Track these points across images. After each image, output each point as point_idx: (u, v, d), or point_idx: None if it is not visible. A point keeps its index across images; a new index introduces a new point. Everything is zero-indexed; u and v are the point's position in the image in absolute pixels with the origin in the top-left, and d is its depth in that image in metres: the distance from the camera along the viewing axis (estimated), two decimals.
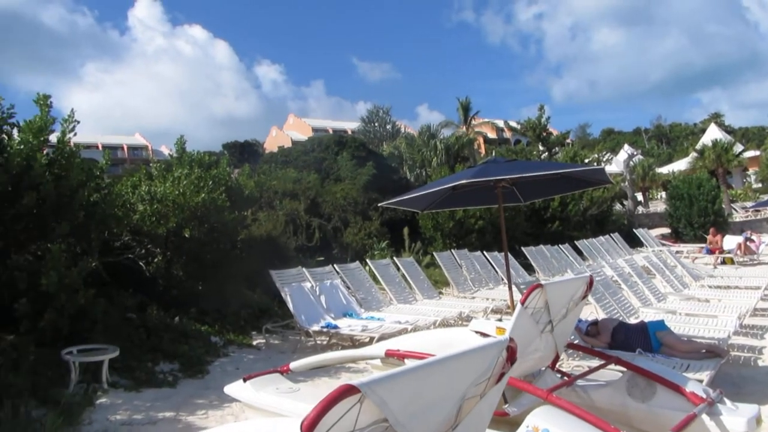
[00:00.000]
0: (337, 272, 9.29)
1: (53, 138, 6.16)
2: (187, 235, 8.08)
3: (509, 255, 12.20)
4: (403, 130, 52.87)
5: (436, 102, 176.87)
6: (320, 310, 8.31)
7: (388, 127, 52.60)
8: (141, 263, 7.91)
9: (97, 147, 57.65)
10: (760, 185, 40.22)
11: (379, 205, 7.23)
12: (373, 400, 1.51)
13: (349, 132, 51.14)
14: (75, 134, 6.34)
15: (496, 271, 12.29)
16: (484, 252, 12.73)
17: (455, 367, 1.82)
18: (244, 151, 58.96)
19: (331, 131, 61.43)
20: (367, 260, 10.60)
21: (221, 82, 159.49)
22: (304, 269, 8.88)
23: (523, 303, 3.60)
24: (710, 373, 4.77)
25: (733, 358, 6.48)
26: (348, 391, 1.46)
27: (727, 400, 3.72)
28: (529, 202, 7.82)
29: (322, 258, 12.89)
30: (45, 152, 6.00)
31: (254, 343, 8.34)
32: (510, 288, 6.95)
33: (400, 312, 8.84)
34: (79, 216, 6.19)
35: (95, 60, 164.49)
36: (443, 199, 7.21)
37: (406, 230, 15.48)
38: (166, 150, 48.17)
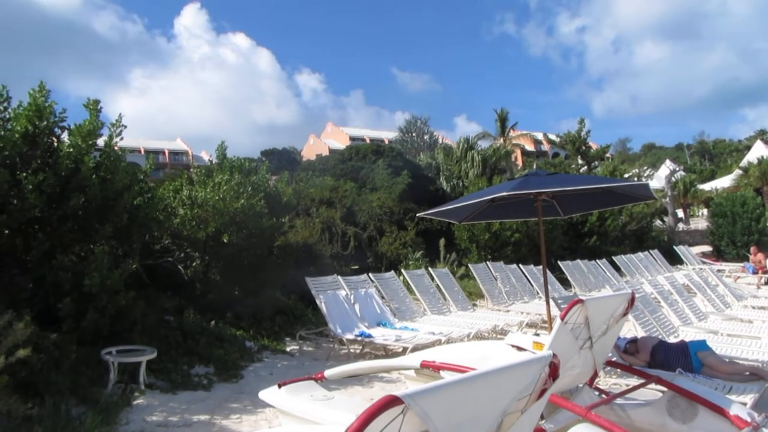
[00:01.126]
0: (371, 281, 9.31)
1: (100, 142, 6.31)
2: (225, 240, 8.19)
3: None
4: (440, 140, 52.83)
5: (474, 113, 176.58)
6: (354, 319, 8.33)
7: (426, 137, 52.64)
8: (180, 267, 8.04)
9: (140, 151, 59.12)
10: None
11: (418, 215, 7.23)
12: (416, 412, 1.50)
13: (387, 141, 51.32)
14: (122, 138, 6.48)
15: (532, 285, 12.16)
16: (520, 265, 12.61)
17: (498, 381, 1.80)
18: (282, 159, 59.56)
19: (368, 140, 61.74)
20: (402, 270, 10.60)
21: (263, 90, 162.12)
22: (339, 277, 8.92)
23: (563, 318, 3.55)
24: (755, 396, 4.63)
25: None
26: (392, 402, 1.46)
27: None
28: (568, 216, 7.71)
29: (356, 266, 12.93)
30: (92, 155, 6.15)
31: (288, 349, 8.39)
32: (547, 302, 6.86)
33: (434, 323, 8.80)
34: (122, 218, 6.32)
35: (142, 66, 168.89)
36: (481, 211, 7.17)
37: (441, 241, 15.43)
38: (206, 155, 49.05)
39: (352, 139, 68.01)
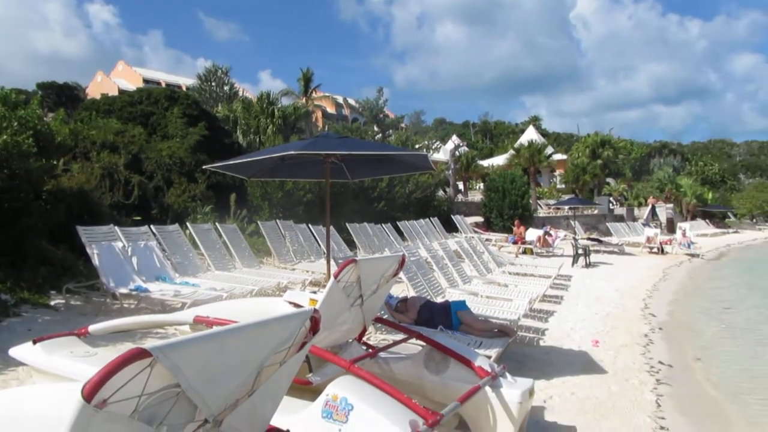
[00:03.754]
0: (153, 234, 8.86)
1: None
2: None
3: (334, 230, 12.47)
4: (241, 93, 51.20)
5: (279, 70, 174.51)
6: (130, 272, 7.89)
7: (226, 88, 50.65)
8: None
9: None
10: (563, 186, 44.60)
11: (204, 167, 6.99)
12: (166, 365, 1.48)
13: (184, 88, 48.49)
14: None
15: (319, 245, 12.46)
16: (310, 225, 12.84)
17: (255, 335, 1.84)
18: (63, 94, 53.46)
19: (164, 84, 57.82)
20: (188, 224, 10.23)
21: (46, 14, 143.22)
22: (116, 227, 8.35)
23: (336, 277, 3.71)
24: (498, 350, 5.26)
25: (520, 337, 7.22)
26: (138, 354, 1.43)
27: (508, 375, 4.14)
28: (356, 180, 8.00)
29: (139, 218, 12.21)
30: None
31: (52, 303, 7.71)
32: (328, 261, 7.10)
33: (218, 279, 8.66)
34: None
35: None
36: (272, 168, 7.14)
37: (233, 197, 15.11)
38: None
39: (146, 81, 63.22)
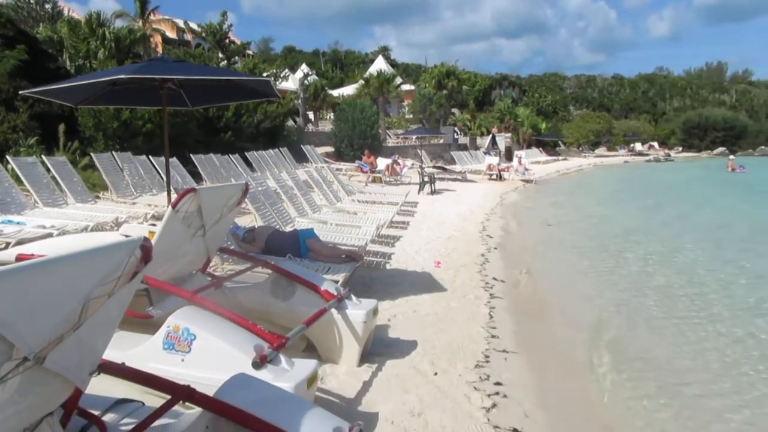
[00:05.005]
0: None
1: None
2: None
3: (177, 162, 11.92)
4: (66, 13, 46.18)
5: None
6: None
7: (48, 6, 45.43)
8: None
9: None
10: (411, 116, 45.64)
11: (22, 93, 6.23)
12: None
13: None
14: None
15: (162, 178, 11.84)
16: (150, 157, 12.13)
17: (75, 266, 1.73)
18: None
19: None
20: (9, 157, 9.26)
21: None
22: None
23: (174, 207, 3.57)
24: (346, 275, 5.40)
25: (368, 262, 7.45)
26: None
27: (354, 297, 4.28)
28: (197, 107, 7.63)
29: None
30: None
31: None
32: (169, 193, 6.80)
33: (47, 216, 7.98)
34: None
35: None
36: (102, 94, 6.57)
37: (62, 127, 13.84)
38: None
39: None
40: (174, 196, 6.88)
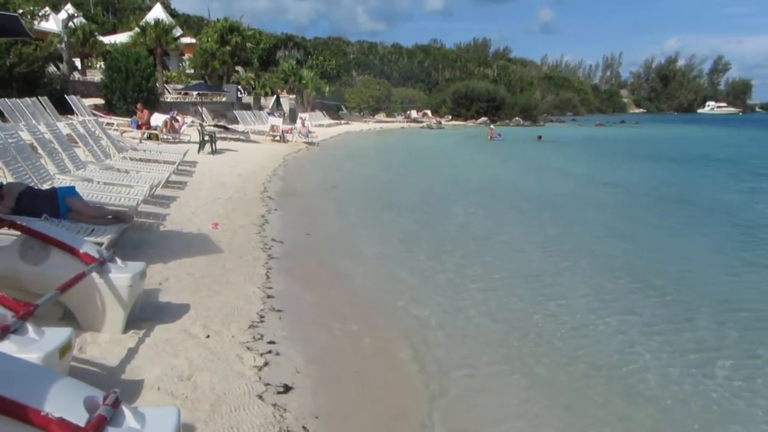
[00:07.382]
0: None
1: None
2: None
3: None
4: None
5: None
6: None
7: None
8: None
9: None
10: (192, 71, 43.36)
11: None
12: None
13: None
14: None
15: None
16: None
17: None
18: None
19: None
20: None
21: None
22: None
23: None
24: (111, 237, 5.06)
25: (140, 223, 7.07)
26: None
27: (118, 260, 4.04)
28: None
29: None
30: None
31: None
32: None
33: None
34: None
35: None
36: None
37: None
38: None
39: None
40: None
